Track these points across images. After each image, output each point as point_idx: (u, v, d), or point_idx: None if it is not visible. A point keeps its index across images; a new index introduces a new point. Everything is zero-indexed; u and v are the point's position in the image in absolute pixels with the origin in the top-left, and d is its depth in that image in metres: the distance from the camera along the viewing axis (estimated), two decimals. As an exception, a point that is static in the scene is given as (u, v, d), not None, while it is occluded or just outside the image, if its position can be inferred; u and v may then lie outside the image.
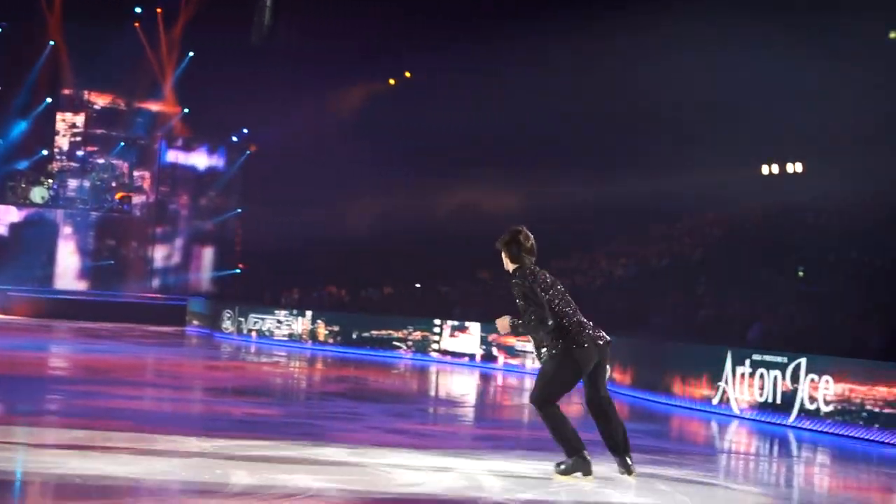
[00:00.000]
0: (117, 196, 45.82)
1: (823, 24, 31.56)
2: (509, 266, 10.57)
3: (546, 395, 10.27)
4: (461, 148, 39.54)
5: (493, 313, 28.80)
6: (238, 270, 46.04)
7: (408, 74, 44.60)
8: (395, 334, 30.50)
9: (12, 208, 45.18)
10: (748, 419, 17.75)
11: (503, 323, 10.45)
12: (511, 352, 26.92)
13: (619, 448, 10.49)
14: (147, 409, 15.26)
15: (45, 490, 9.04)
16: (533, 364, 26.01)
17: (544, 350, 10.35)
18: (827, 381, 16.39)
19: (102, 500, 8.46)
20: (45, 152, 45.81)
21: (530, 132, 38.81)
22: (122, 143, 46.50)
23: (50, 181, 45.10)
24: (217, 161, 48.03)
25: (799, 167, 36.04)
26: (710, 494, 9.18)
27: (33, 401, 14.91)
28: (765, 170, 36.36)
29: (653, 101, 33.80)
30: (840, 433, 15.99)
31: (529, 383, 23.80)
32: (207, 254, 47.68)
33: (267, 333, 34.44)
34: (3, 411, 14.31)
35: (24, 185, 44.72)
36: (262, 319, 34.79)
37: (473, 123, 38.49)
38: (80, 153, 46.59)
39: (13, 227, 45.16)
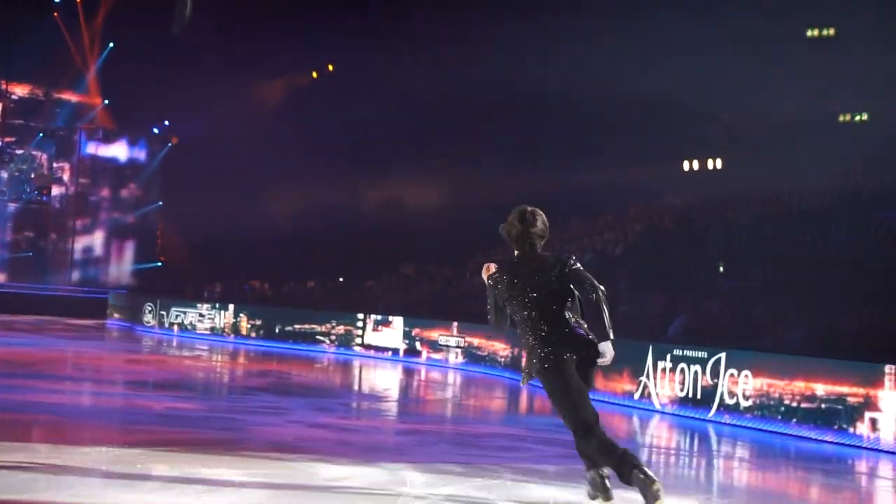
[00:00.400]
0: (36, 184, 45.48)
1: (744, 21, 31.93)
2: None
3: (569, 422, 8.86)
4: (384, 141, 39.59)
5: (415, 308, 28.83)
6: (159, 263, 45.73)
7: (330, 68, 44.50)
8: (319, 328, 30.43)
9: (-73, 199, 44.74)
10: (669, 414, 17.90)
11: (486, 272, 9.25)
12: (434, 346, 26.95)
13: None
14: (67, 403, 15.14)
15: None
16: (456, 359, 26.04)
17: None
18: (746, 376, 16.57)
19: (23, 494, 8.36)
20: (-39, 142, 45.37)
21: (451, 125, 38.87)
22: (42, 134, 46.10)
23: (-33, 172, 44.69)
24: (138, 153, 47.67)
25: (719, 163, 36.38)
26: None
27: (-49, 395, 14.75)
28: (685, 166, 36.67)
29: (575, 95, 33.96)
30: (759, 427, 16.17)
31: (452, 377, 23.90)
32: (128, 247, 47.30)
33: (189, 327, 34.24)
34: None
35: (-61, 175, 44.33)
36: (185, 313, 34.59)
37: (396, 116, 38.53)
38: (-3, 143, 46.15)
39: (-70, 218, 44.74)
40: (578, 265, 8.95)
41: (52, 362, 22.17)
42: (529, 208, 9.21)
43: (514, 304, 8.97)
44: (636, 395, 18.74)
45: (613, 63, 31.98)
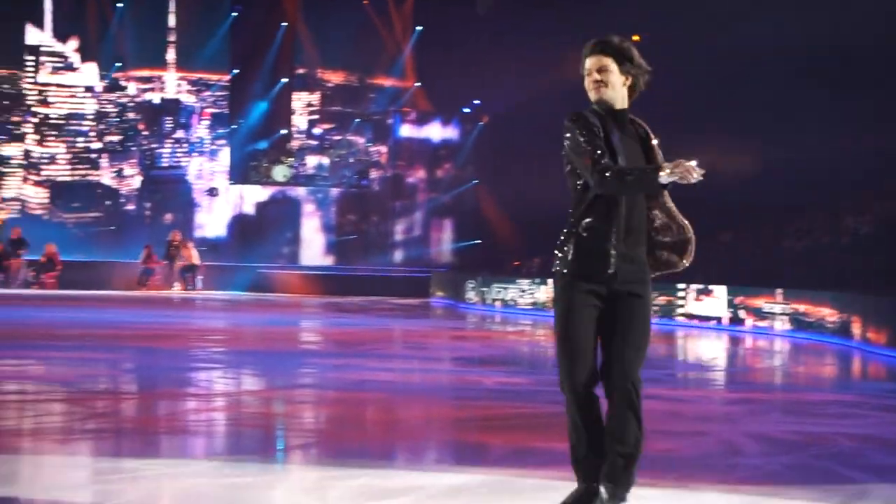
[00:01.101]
0: (356, 168, 47.07)
1: None
2: None
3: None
4: (694, 108, 38.83)
5: (734, 275, 28.22)
6: (478, 241, 46.33)
7: (636, 38, 44.04)
8: (639, 300, 30.15)
9: (257, 188, 46.67)
10: None
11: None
12: (759, 314, 26.42)
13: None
14: (399, 381, 15.47)
15: (307, 456, 9.27)
16: (782, 326, 25.49)
17: None
18: None
19: (358, 469, 8.55)
20: (283, 132, 47.10)
21: (754, 93, 37.77)
22: (357, 120, 47.48)
23: (291, 159, 46.44)
24: (451, 133, 48.41)
25: None
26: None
27: (289, 375, 15.30)
28: None
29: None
30: None
31: (780, 345, 23.40)
32: (447, 225, 48.14)
33: (511, 303, 34.59)
34: (262, 385, 14.74)
35: (266, 165, 46.21)
36: (506, 289, 34.98)
37: (703, 81, 37.75)
38: (316, 131, 47.78)
39: (259, 207, 46.68)
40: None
41: (381, 341, 22.75)
42: None
43: None
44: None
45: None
